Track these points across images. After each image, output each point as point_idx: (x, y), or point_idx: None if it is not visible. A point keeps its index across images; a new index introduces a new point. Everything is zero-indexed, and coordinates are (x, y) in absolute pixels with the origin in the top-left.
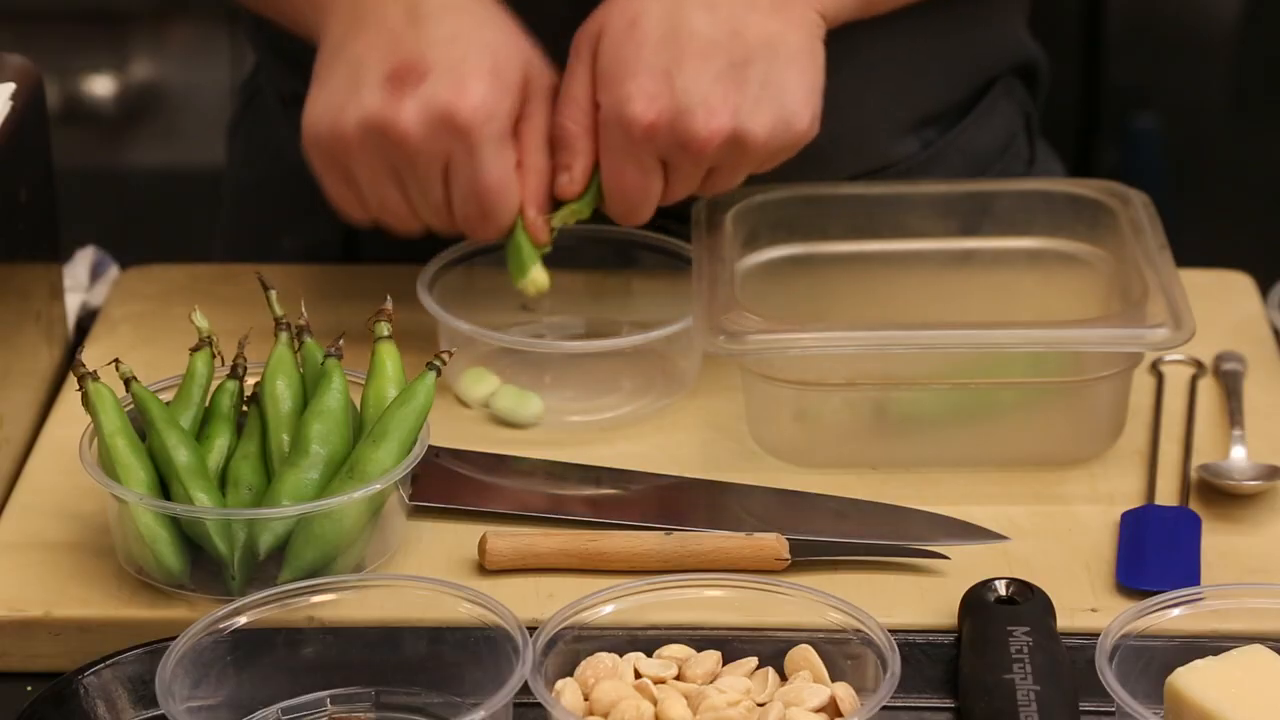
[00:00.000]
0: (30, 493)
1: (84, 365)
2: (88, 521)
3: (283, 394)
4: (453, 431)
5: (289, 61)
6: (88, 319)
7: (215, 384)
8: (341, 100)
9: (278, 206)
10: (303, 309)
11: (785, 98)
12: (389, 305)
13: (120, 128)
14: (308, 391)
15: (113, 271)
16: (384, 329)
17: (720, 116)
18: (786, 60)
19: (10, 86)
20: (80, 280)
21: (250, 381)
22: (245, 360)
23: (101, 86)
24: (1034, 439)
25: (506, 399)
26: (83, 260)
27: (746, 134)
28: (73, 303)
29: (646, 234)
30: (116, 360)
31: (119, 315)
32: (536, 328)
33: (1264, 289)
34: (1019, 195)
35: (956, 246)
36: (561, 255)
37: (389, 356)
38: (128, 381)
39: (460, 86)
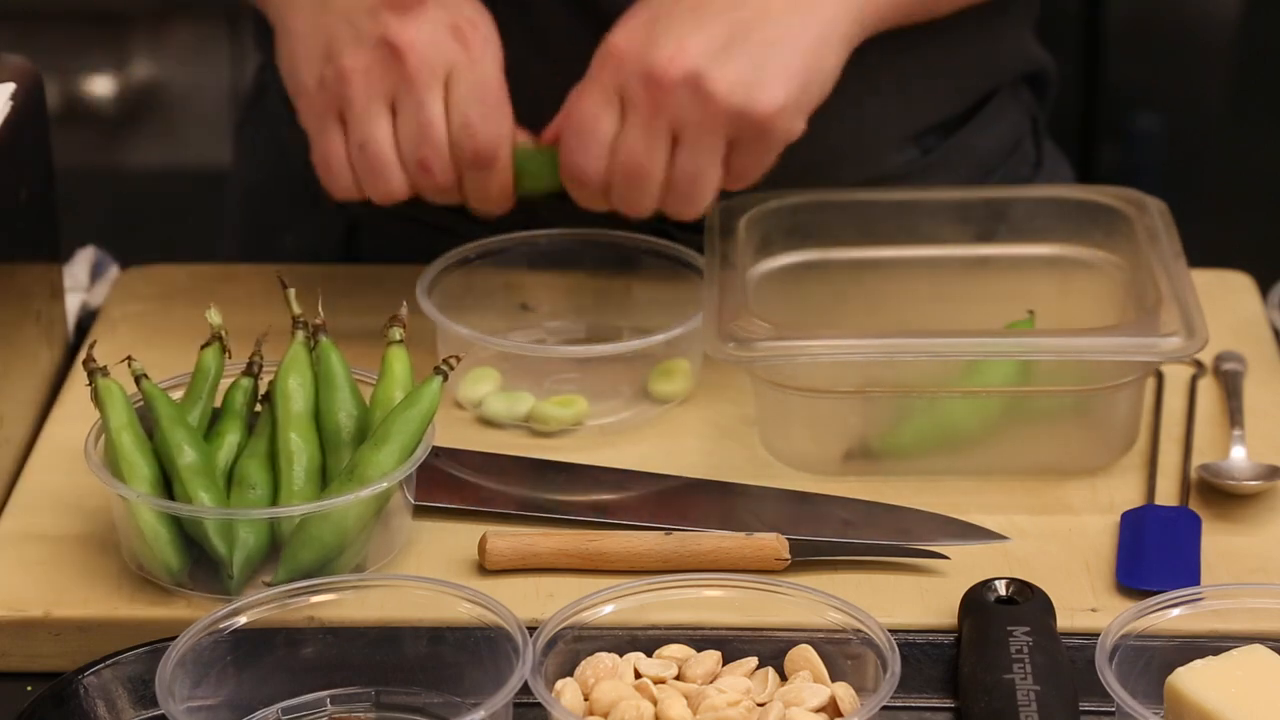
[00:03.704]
0: (30, 492)
1: (94, 360)
2: (88, 521)
3: (295, 392)
4: (452, 432)
5: None
6: (88, 319)
7: (228, 381)
8: (340, 35)
9: (281, 204)
10: (319, 309)
11: (764, 66)
12: (404, 312)
13: (120, 128)
14: (319, 391)
15: (113, 271)
16: (396, 334)
17: (687, 56)
18: (780, 36)
19: (10, 86)
20: (80, 280)
21: (266, 379)
22: (261, 358)
23: (101, 86)
24: (1047, 448)
25: (548, 406)
26: (83, 260)
27: (706, 80)
28: (73, 303)
29: (648, 239)
30: (129, 358)
31: (119, 315)
32: (536, 332)
33: (1264, 289)
34: (1034, 201)
35: (971, 253)
36: (562, 258)
37: (398, 360)
38: (138, 379)
39: (458, 7)
